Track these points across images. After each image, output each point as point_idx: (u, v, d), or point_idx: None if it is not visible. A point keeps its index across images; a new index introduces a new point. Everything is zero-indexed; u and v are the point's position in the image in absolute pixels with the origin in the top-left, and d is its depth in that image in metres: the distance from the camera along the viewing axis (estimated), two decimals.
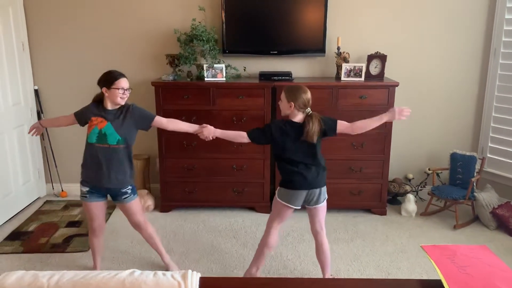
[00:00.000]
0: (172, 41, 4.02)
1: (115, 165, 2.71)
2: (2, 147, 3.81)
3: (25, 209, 4.12)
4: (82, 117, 2.78)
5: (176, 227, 3.75)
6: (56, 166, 4.42)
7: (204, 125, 2.85)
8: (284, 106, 2.70)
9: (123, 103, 2.69)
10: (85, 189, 2.76)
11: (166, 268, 3.05)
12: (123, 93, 2.65)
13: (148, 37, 4.14)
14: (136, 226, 2.92)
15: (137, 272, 1.66)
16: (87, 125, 2.74)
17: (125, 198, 2.79)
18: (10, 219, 3.89)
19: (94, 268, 3.03)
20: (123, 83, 2.66)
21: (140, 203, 2.94)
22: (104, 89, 2.65)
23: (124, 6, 4.08)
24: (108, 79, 2.64)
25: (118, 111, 2.71)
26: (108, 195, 2.84)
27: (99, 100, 2.75)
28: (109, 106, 2.70)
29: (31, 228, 3.73)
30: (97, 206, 2.80)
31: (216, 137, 2.87)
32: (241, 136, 2.74)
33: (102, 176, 2.70)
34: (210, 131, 2.82)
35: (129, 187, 2.80)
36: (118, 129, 2.67)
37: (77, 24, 4.13)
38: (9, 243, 3.47)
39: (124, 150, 2.72)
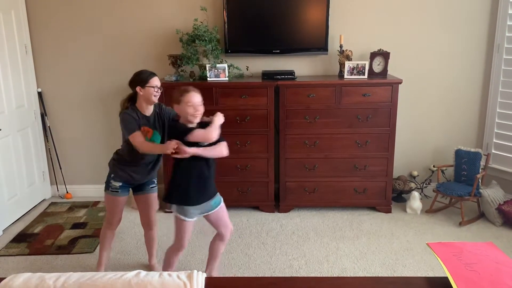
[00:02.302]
0: (174, 42, 4.02)
1: (156, 163, 2.86)
2: (7, 150, 3.82)
3: (30, 211, 4.13)
4: (139, 126, 2.68)
5: None
6: (60, 168, 4.44)
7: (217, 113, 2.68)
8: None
9: (156, 101, 2.72)
10: (118, 184, 2.79)
11: (149, 269, 3.07)
12: (157, 91, 2.69)
13: (150, 38, 4.14)
14: (147, 222, 2.97)
15: (143, 273, 1.66)
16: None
17: (152, 187, 2.92)
18: (15, 221, 3.90)
19: (99, 264, 3.02)
20: (156, 81, 2.70)
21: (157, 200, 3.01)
22: (138, 88, 2.66)
23: (126, 8, 4.09)
24: (143, 78, 2.67)
25: (154, 115, 2.76)
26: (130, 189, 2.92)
27: (128, 106, 2.71)
28: (146, 110, 2.71)
29: (37, 230, 3.74)
30: (124, 201, 2.88)
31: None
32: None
33: (144, 174, 2.82)
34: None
35: (156, 178, 2.96)
36: (159, 132, 2.77)
37: (79, 26, 4.14)
38: (15, 245, 3.48)
39: None
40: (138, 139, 2.61)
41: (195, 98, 2.47)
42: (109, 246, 3.03)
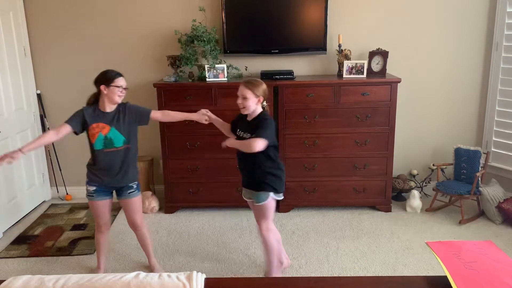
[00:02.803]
0: (173, 43, 4.03)
1: (125, 165, 2.78)
2: (6, 152, 3.81)
3: (30, 213, 4.14)
4: (78, 124, 2.71)
5: (181, 228, 3.75)
6: (60, 170, 4.44)
7: (204, 111, 2.95)
8: (253, 102, 2.65)
9: (120, 101, 2.73)
10: (92, 188, 2.80)
11: (150, 269, 3.07)
12: (121, 92, 2.70)
13: (149, 39, 4.14)
14: (133, 225, 2.96)
15: (142, 274, 1.66)
16: (88, 133, 2.73)
17: (130, 193, 2.86)
18: (16, 223, 3.91)
19: (98, 267, 3.05)
20: (122, 81, 2.71)
21: (141, 203, 2.98)
22: (102, 87, 2.67)
23: (124, 9, 4.09)
24: (107, 78, 2.68)
25: (116, 112, 2.74)
26: (114, 192, 2.90)
27: (93, 103, 2.76)
28: (107, 107, 2.71)
29: (37, 231, 3.75)
30: (103, 204, 2.85)
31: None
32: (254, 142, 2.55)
33: (113, 177, 2.77)
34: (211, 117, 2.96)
35: (136, 182, 2.89)
36: (121, 130, 2.72)
37: (78, 28, 4.14)
38: (15, 247, 3.49)
39: (130, 149, 2.79)
40: (57, 128, 2.66)
41: (240, 91, 2.66)
42: (104, 249, 3.04)
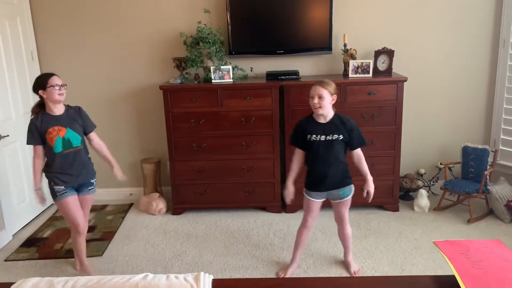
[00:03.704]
0: (179, 45, 4.04)
1: (84, 162, 2.89)
2: (15, 155, 3.86)
3: (39, 215, 4.17)
4: (40, 138, 2.77)
5: (189, 229, 3.76)
6: None
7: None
8: (328, 101, 2.68)
9: (62, 99, 2.77)
10: (61, 187, 2.83)
11: (85, 272, 3.07)
12: (59, 89, 2.74)
13: (155, 41, 4.16)
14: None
15: (150, 275, 1.67)
16: (46, 138, 2.76)
17: (90, 189, 2.97)
18: (25, 226, 3.94)
19: (81, 267, 3.08)
20: (56, 80, 2.75)
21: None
22: (41, 92, 2.73)
23: (130, 12, 4.11)
24: (41, 81, 2.74)
25: (68, 114, 2.81)
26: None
27: (39, 111, 2.78)
28: (54, 109, 2.77)
29: (46, 234, 3.78)
30: (75, 200, 2.89)
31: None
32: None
33: (77, 175, 2.86)
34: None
35: (95, 179, 3.01)
36: (76, 130, 2.81)
37: (84, 32, 4.17)
38: (25, 249, 3.52)
39: (85, 146, 2.90)
40: (34, 153, 2.80)
41: (316, 91, 2.65)
42: (84, 249, 3.06)
